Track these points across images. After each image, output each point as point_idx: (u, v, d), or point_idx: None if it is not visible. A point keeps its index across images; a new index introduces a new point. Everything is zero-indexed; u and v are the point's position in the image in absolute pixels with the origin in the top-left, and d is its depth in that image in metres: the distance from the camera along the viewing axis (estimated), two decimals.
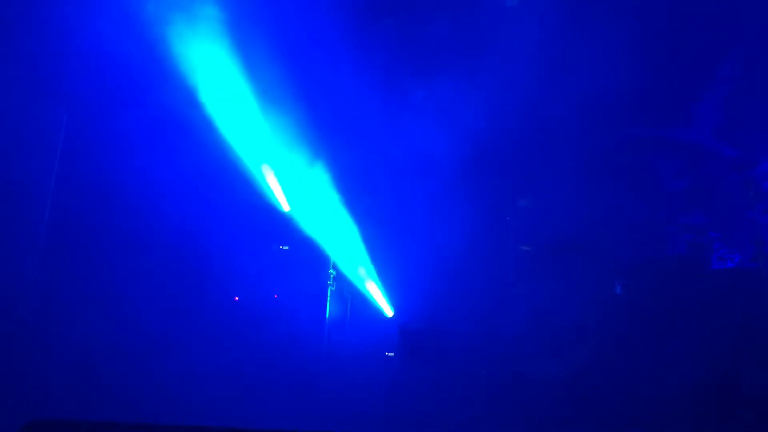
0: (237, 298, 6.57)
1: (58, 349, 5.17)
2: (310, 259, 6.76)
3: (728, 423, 4.04)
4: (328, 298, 6.68)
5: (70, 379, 4.99)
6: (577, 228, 5.83)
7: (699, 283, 4.99)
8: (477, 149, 7.06)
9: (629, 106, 6.51)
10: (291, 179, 6.90)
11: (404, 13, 7.32)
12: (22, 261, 5.31)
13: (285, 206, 6.83)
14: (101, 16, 5.70)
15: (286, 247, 6.80)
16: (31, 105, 5.60)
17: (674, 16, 6.35)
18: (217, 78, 6.23)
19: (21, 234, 5.41)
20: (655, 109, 6.49)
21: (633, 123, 6.61)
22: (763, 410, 4.04)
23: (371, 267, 7.07)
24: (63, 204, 5.64)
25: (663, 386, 4.31)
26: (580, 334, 5.03)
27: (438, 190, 6.99)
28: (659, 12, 6.39)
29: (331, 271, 6.79)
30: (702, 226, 5.58)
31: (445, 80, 7.28)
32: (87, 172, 5.78)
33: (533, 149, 6.97)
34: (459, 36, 7.13)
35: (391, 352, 6.84)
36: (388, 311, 7.06)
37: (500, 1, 7.17)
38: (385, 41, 7.36)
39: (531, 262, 6.06)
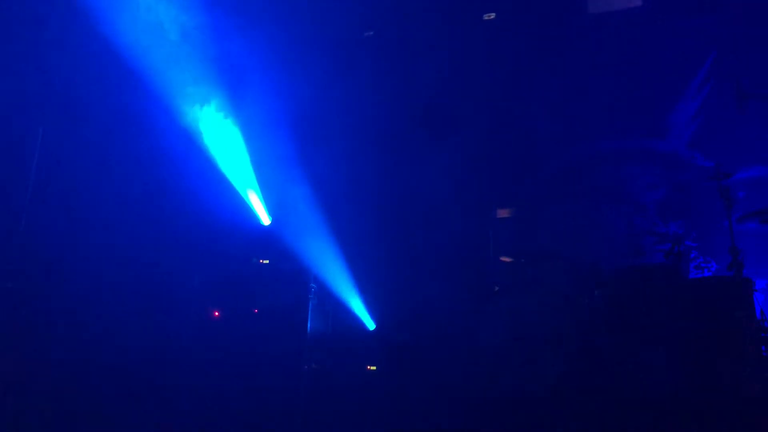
0: (216, 313, 6.49)
1: (29, 365, 5.08)
2: (291, 273, 6.71)
3: (706, 428, 4.06)
4: (309, 313, 6.63)
5: (45, 396, 4.90)
6: (556, 239, 5.88)
7: (677, 291, 5.02)
8: (457, 162, 7.11)
9: (604, 118, 6.61)
10: (271, 192, 6.88)
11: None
12: None
13: (265, 220, 6.79)
14: (78, 30, 5.69)
15: (266, 261, 6.75)
16: (6, 118, 5.56)
17: (648, 29, 6.48)
18: (196, 90, 6.22)
19: None
20: (630, 120, 6.59)
21: (609, 135, 6.70)
22: (741, 417, 4.06)
23: (352, 281, 7.03)
24: (38, 216, 5.58)
25: (642, 395, 4.32)
26: (560, 343, 5.04)
27: (419, 203, 7.01)
28: (633, 25, 6.52)
29: (312, 285, 6.75)
30: (679, 235, 5.64)
31: (428, 92, 7.34)
32: (62, 185, 5.73)
33: (512, 161, 7.03)
34: (441, 47, 7.21)
35: (373, 366, 6.78)
36: (370, 325, 7.02)
37: (479, 14, 7.27)
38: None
39: (511, 273, 6.07)
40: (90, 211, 5.85)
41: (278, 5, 6.87)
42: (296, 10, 6.97)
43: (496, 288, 6.17)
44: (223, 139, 6.47)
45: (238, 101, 6.60)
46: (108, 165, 5.94)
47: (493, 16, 7.20)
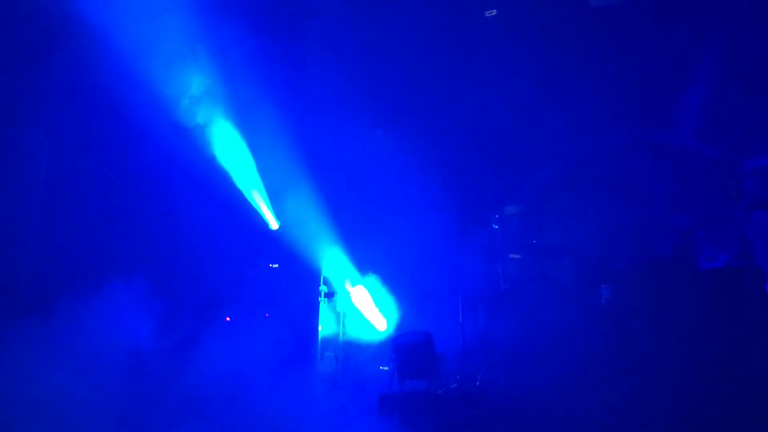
0: (228, 318, 6.53)
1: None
2: (301, 275, 6.74)
3: (720, 421, 4.04)
4: (320, 315, 6.65)
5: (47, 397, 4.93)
6: (565, 233, 5.87)
7: (688, 283, 5.00)
8: (464, 160, 7.11)
9: (609, 111, 6.59)
10: (279, 196, 6.90)
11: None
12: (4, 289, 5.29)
13: (273, 224, 6.82)
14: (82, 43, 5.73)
15: (276, 265, 6.78)
16: (13, 132, 5.62)
17: (651, 20, 6.45)
18: (200, 96, 6.25)
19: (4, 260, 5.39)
20: (635, 113, 6.57)
21: (614, 127, 6.68)
22: (754, 408, 4.04)
23: (362, 281, 7.05)
24: (47, 227, 5.64)
25: (654, 387, 4.31)
26: (571, 338, 5.04)
27: (427, 203, 7.02)
28: (635, 16, 6.49)
29: (323, 287, 6.77)
30: (688, 227, 5.61)
31: (432, 90, 7.35)
32: (69, 197, 5.78)
33: (519, 156, 7.03)
34: (447, 48, 7.21)
35: (385, 366, 6.79)
36: (382, 325, 7.03)
37: (481, 12, 7.27)
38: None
39: (520, 268, 6.06)
40: (100, 219, 5.90)
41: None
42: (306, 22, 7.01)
43: (505, 284, 6.18)
44: (231, 145, 6.51)
45: (244, 108, 6.63)
46: (116, 174, 5.99)
47: (494, 12, 7.20)
